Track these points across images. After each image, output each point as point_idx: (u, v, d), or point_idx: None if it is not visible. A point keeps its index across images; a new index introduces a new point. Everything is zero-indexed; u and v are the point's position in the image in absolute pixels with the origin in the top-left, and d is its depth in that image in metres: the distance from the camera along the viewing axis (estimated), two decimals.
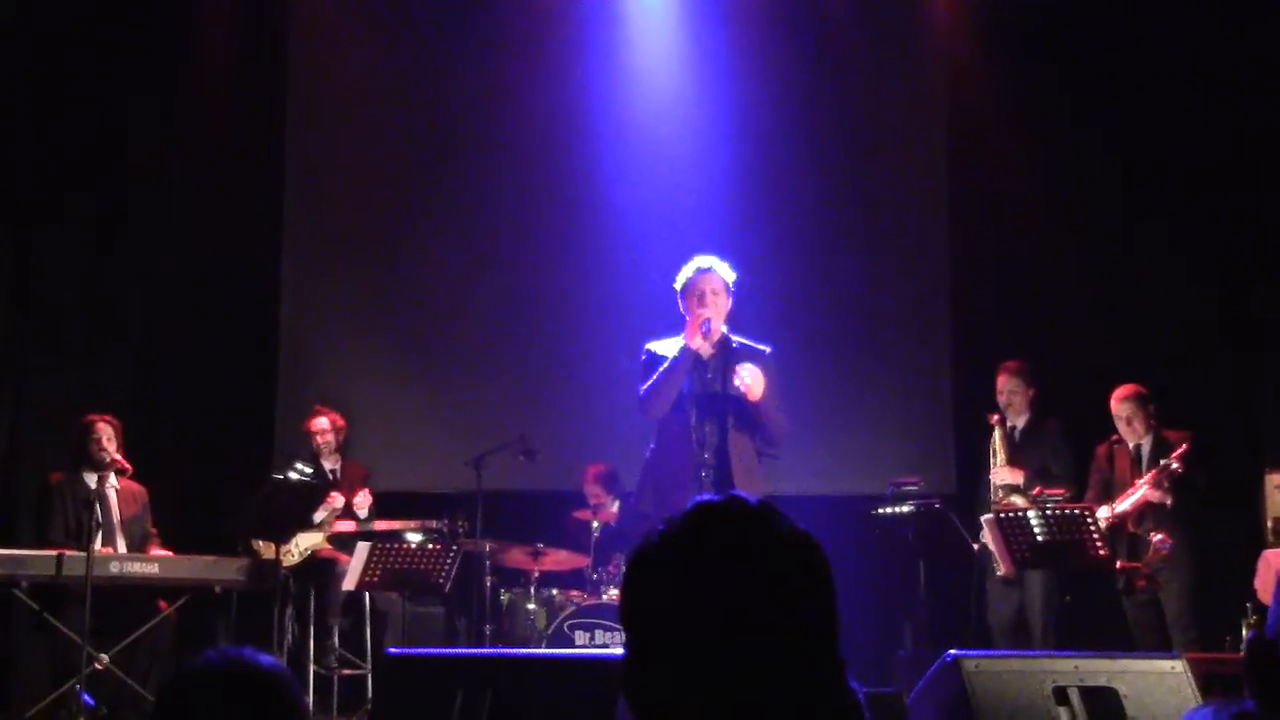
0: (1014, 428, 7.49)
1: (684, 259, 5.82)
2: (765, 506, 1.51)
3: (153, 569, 7.07)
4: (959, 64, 8.91)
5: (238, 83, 8.99)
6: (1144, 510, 6.98)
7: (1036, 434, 7.47)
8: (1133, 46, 8.44)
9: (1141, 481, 6.99)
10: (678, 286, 5.75)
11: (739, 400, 5.56)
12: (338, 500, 7.70)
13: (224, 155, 8.82)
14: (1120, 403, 7.20)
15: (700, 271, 5.72)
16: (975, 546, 7.29)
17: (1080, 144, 8.51)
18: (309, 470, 7.69)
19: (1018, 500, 7.10)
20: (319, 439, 7.94)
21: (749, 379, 5.49)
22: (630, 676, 1.47)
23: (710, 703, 1.42)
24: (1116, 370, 7.54)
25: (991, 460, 7.39)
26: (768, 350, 5.73)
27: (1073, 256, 8.45)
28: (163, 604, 7.13)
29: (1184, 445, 6.88)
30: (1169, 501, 6.90)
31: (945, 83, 9.02)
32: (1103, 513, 6.84)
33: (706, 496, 1.55)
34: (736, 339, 5.71)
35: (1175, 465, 6.84)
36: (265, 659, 1.77)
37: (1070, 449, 7.45)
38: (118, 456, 7.18)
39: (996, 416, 7.46)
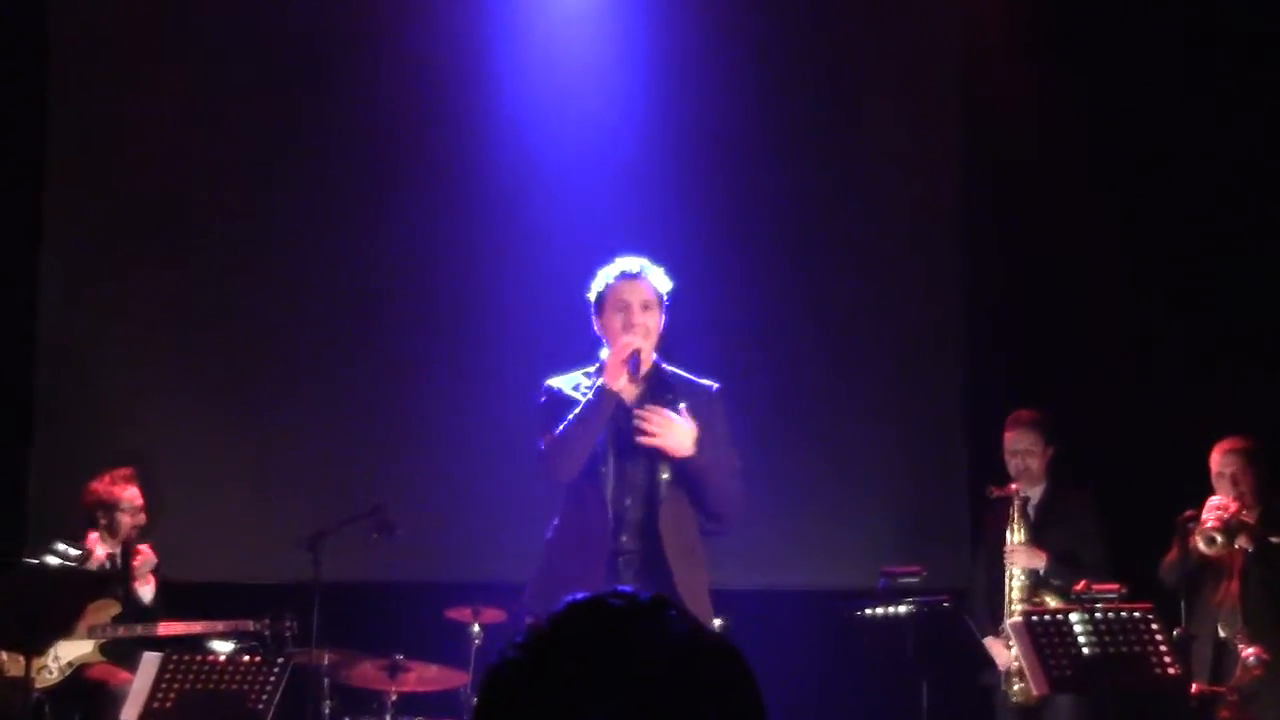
0: (1026, 499, 7.31)
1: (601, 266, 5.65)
2: (657, 602, 1.53)
3: None
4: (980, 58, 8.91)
5: None
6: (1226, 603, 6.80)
7: (1058, 508, 7.33)
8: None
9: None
10: (592, 297, 5.57)
11: (674, 458, 5.32)
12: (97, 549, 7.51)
13: None
14: (1225, 455, 6.98)
15: (624, 277, 5.50)
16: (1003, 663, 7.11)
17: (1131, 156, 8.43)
18: (75, 553, 7.35)
19: (1048, 599, 6.96)
20: (125, 517, 7.62)
21: (664, 429, 5.25)
22: None
23: None
24: (1187, 427, 7.39)
25: (1009, 539, 7.18)
26: (715, 386, 5.55)
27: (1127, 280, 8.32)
28: None
29: None
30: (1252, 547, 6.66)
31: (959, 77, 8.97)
32: None
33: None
34: (671, 369, 5.51)
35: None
36: None
37: (1105, 530, 7.28)
38: None
39: (1014, 485, 7.24)
